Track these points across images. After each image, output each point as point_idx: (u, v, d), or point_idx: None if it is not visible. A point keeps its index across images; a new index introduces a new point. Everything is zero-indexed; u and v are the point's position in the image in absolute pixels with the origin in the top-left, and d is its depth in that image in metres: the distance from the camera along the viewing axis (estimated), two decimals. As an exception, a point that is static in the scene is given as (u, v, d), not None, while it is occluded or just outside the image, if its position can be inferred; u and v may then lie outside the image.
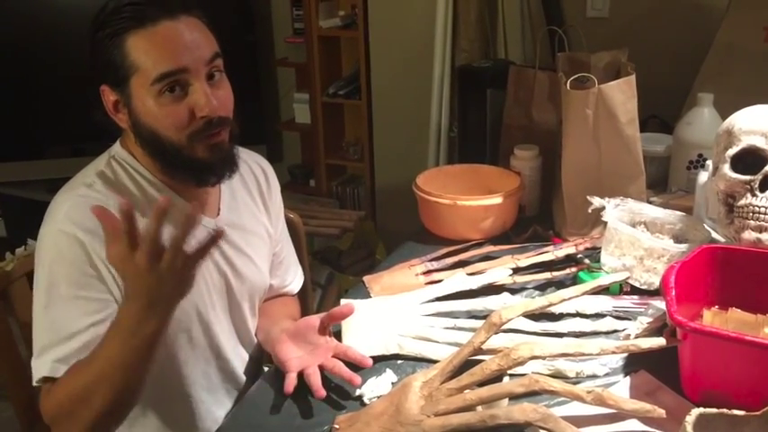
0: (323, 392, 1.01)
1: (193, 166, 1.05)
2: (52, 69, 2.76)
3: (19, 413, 1.21)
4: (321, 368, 1.05)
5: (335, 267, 2.82)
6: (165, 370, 1.10)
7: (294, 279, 1.39)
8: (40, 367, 0.98)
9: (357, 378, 1.04)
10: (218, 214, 1.16)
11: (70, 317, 0.99)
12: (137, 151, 1.08)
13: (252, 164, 1.26)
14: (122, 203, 0.82)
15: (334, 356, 1.07)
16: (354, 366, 1.08)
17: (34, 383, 1.00)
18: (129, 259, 0.85)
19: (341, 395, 1.05)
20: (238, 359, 1.23)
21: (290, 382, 1.02)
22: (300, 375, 1.04)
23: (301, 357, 1.07)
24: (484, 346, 1.00)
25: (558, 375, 1.03)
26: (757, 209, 1.09)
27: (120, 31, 0.98)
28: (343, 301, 1.23)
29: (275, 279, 1.33)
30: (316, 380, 1.02)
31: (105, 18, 0.99)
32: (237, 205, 1.20)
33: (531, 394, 0.92)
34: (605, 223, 1.29)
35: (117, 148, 1.10)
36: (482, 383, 0.93)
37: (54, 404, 0.98)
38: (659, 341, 0.98)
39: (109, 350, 0.92)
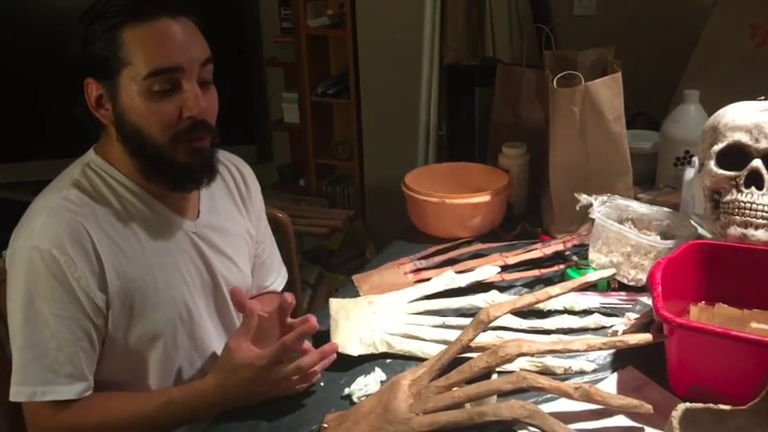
0: None
1: (172, 170, 1.04)
2: (38, 70, 2.73)
3: (5, 414, 1.21)
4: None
5: (325, 267, 2.82)
6: (149, 373, 1.10)
7: (276, 279, 1.39)
8: (23, 392, 0.99)
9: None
10: (198, 216, 1.15)
11: (49, 336, 0.98)
12: (114, 155, 1.06)
13: (229, 165, 1.25)
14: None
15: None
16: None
17: (12, 399, 1.00)
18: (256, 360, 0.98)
19: (330, 394, 1.05)
20: None
21: None
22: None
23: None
24: (472, 344, 1.00)
25: (545, 372, 1.04)
26: (743, 204, 1.10)
27: (117, 23, 0.97)
28: (332, 301, 1.23)
29: (255, 279, 1.32)
30: None
31: (102, 9, 0.98)
32: (217, 207, 1.19)
33: (519, 391, 0.92)
34: (593, 220, 1.29)
35: (91, 155, 1.08)
36: (470, 381, 0.93)
37: (71, 426, 1.01)
38: (646, 337, 0.98)
39: (156, 414, 1.01)
